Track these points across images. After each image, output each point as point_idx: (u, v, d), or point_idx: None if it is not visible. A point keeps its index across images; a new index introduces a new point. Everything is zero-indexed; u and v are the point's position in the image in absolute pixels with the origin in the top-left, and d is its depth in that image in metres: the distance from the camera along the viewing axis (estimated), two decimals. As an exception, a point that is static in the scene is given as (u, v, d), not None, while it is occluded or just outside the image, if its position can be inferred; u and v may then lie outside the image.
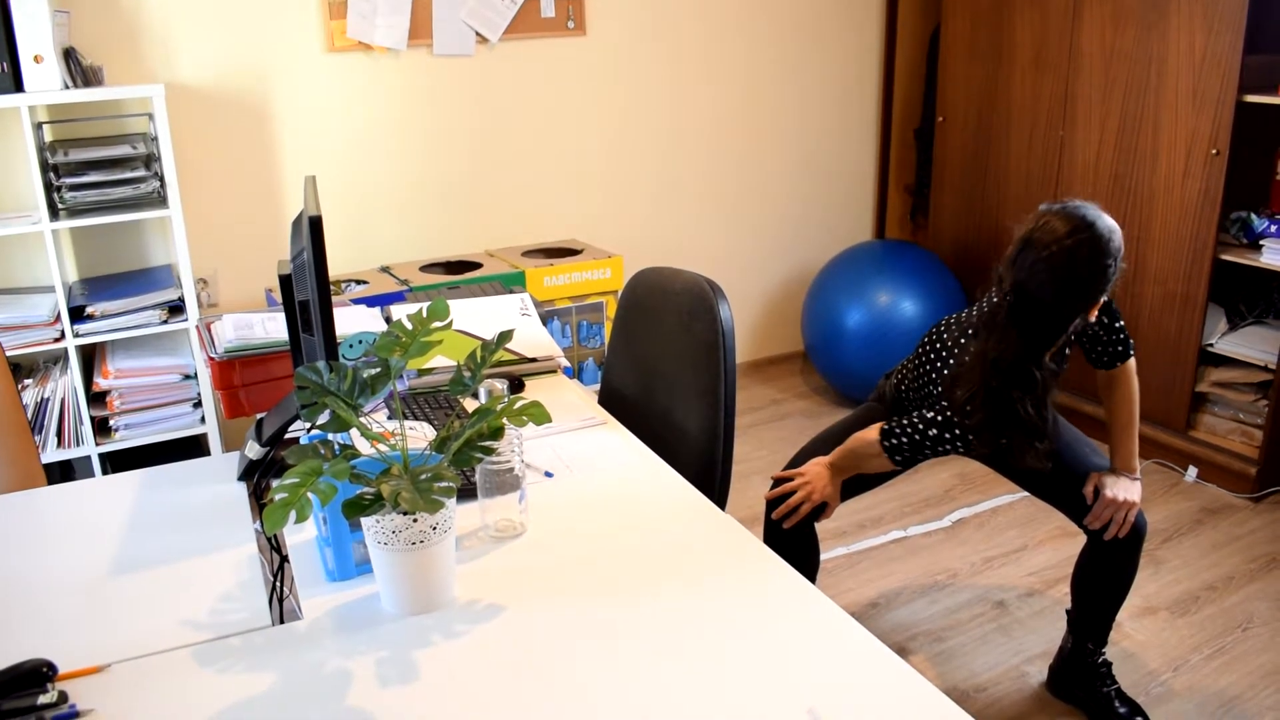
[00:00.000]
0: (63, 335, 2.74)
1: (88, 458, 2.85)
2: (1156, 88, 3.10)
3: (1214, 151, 2.96)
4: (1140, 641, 2.42)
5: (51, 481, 1.75)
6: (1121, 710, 2.11)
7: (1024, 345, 1.78)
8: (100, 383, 2.81)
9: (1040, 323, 1.77)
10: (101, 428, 2.87)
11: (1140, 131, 3.18)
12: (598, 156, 3.72)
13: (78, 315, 2.77)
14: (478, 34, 3.37)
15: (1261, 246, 2.96)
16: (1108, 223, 1.74)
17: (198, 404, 2.94)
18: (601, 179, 3.75)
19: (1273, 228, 2.96)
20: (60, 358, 2.90)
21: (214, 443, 2.99)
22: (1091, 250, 1.71)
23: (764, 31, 3.88)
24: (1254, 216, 3.01)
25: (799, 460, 2.35)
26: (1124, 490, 1.98)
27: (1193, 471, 3.19)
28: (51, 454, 2.80)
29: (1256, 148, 3.06)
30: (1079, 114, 3.36)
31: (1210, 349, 3.12)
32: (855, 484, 2.11)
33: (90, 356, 2.98)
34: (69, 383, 2.80)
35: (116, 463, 2.95)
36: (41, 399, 2.79)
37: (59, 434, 2.81)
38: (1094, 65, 3.29)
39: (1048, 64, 3.44)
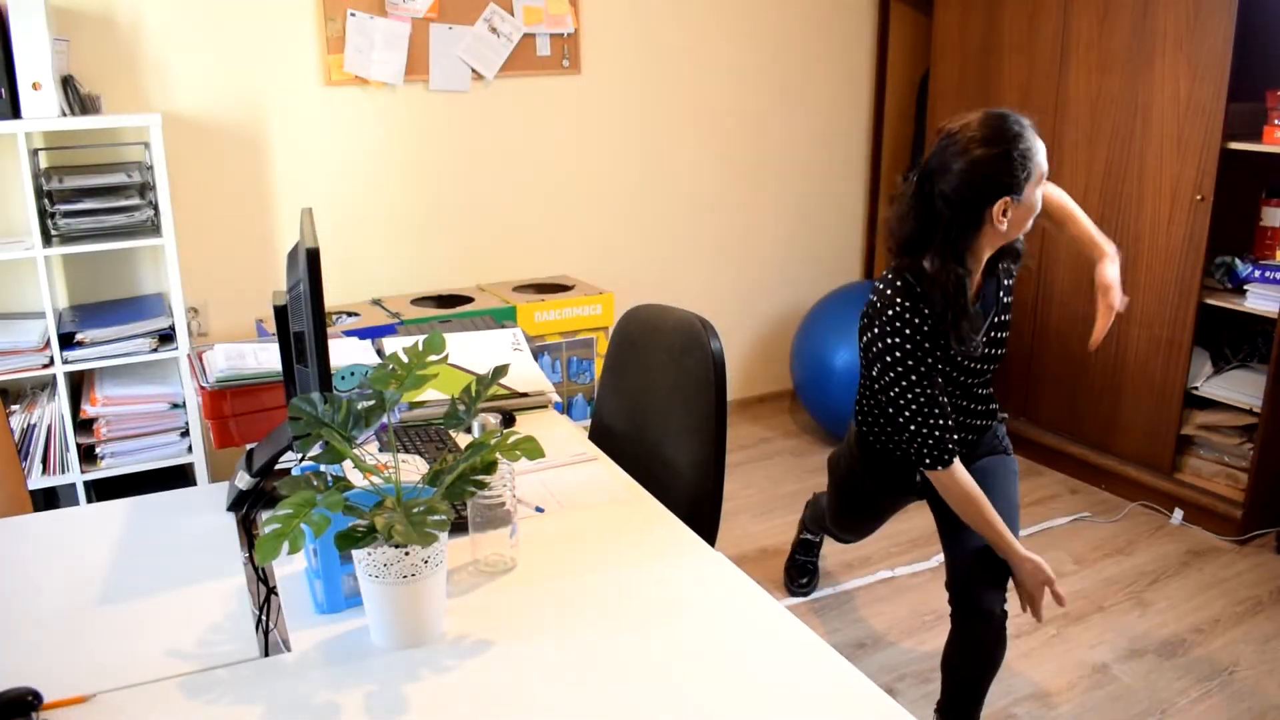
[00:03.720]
0: (51, 361, 2.73)
1: (72, 485, 2.83)
2: (1142, 134, 3.15)
3: (1198, 197, 3.00)
4: (1127, 684, 2.41)
5: (35, 509, 1.74)
6: None
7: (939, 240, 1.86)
8: (88, 410, 2.80)
9: (950, 218, 1.84)
10: (87, 455, 2.85)
11: (1126, 177, 3.22)
12: (590, 193, 3.75)
13: (67, 342, 2.76)
14: (474, 70, 3.40)
15: (1245, 291, 3.00)
16: (1018, 120, 1.87)
17: (185, 433, 2.92)
18: (593, 216, 3.78)
19: (1256, 272, 3.00)
20: (48, 384, 2.89)
21: (200, 472, 2.98)
22: (994, 134, 1.85)
23: (756, 74, 3.93)
24: (1238, 261, 3.05)
25: (813, 506, 2.48)
26: (1114, 271, 2.08)
27: (1179, 514, 3.21)
28: (36, 480, 2.78)
29: (1240, 194, 3.10)
30: (1065, 159, 3.41)
31: (1195, 392, 3.15)
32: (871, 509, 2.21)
33: (79, 383, 2.97)
34: (56, 409, 2.78)
35: (101, 491, 2.93)
36: (28, 425, 2.77)
37: (44, 461, 2.80)
38: (1080, 111, 3.34)
39: (1035, 109, 3.49)
